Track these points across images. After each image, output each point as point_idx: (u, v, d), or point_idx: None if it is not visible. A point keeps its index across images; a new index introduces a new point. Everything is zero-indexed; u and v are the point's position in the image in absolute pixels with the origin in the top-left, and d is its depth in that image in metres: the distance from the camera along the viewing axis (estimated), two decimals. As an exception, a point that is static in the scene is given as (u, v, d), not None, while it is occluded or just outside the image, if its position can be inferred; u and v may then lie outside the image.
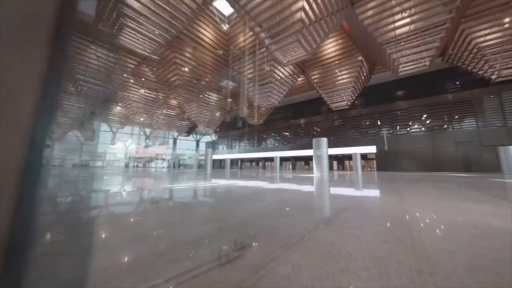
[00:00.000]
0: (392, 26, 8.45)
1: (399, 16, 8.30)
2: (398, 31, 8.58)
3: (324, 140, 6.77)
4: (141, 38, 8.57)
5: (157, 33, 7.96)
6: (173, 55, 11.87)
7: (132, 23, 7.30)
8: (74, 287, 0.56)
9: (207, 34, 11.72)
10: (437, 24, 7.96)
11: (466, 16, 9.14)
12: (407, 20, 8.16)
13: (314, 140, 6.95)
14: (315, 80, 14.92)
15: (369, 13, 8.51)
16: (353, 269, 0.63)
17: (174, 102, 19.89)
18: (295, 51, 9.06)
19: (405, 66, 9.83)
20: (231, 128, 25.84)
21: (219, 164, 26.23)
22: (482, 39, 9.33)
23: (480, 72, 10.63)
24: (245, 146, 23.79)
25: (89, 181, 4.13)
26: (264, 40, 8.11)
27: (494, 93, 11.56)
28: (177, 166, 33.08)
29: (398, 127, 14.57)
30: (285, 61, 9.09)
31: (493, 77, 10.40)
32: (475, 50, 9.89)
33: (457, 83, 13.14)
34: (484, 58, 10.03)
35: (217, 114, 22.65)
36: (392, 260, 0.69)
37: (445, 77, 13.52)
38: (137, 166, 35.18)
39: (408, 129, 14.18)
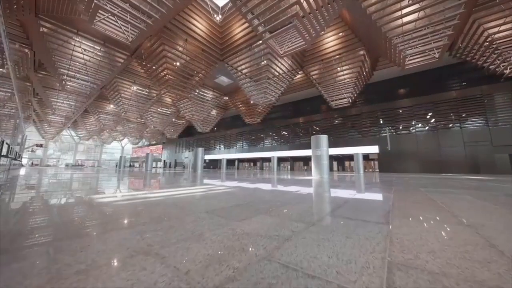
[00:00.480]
0: (399, 13, 7.69)
1: (406, 2, 7.54)
2: (406, 19, 7.81)
3: (324, 138, 5.97)
4: (123, 25, 7.77)
5: (138, 19, 7.15)
6: (162, 47, 11.08)
7: (109, 6, 6.51)
8: None
9: (199, 25, 10.93)
10: (449, 11, 7.19)
11: (478, 4, 8.39)
12: (416, 6, 7.39)
13: (313, 137, 6.15)
14: (314, 77, 14.16)
15: (374, -1, 7.75)
16: None
17: (167, 99, 19.12)
18: (292, 41, 8.29)
19: (413, 59, 9.06)
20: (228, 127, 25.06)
21: (216, 165, 25.42)
22: (496, 29, 8.58)
23: (491, 67, 9.88)
24: (242, 146, 22.99)
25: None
26: (258, 27, 7.33)
27: (506, 89, 10.80)
28: (173, 166, 32.25)
29: (401, 126, 13.80)
30: (281, 52, 8.31)
31: (506, 71, 9.65)
32: (487, 42, 9.13)
33: (465, 79, 12.38)
34: (496, 51, 9.29)
35: (213, 112, 21.87)
36: None
37: (452, 73, 12.77)
38: (132, 166, 34.33)
39: (412, 128, 13.40)
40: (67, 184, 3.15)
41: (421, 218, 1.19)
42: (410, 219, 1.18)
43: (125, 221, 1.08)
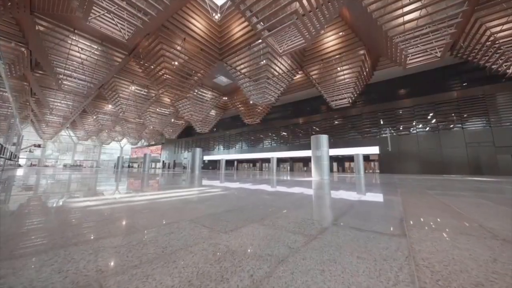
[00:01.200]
0: (400, 11, 7.54)
1: (407, 0, 7.40)
2: (407, 17, 7.67)
3: (324, 138, 5.79)
4: (119, 22, 7.61)
5: (134, 16, 6.98)
6: (160, 46, 10.92)
7: (105, 3, 6.34)
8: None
9: (198, 24, 10.77)
10: (451, 9, 7.04)
11: (480, 3, 8.26)
12: (417, 4, 7.25)
13: (312, 137, 5.97)
14: (314, 77, 14.01)
15: (375, -3, 7.59)
16: None
17: (166, 99, 18.95)
18: (292, 39, 8.14)
19: (414, 58, 8.91)
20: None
21: (215, 166, 25.20)
22: (498, 28, 8.44)
23: (493, 67, 9.74)
24: (241, 147, 22.79)
25: None
26: (257, 25, 7.17)
27: (508, 89, 10.66)
28: (172, 166, 32.00)
29: (402, 126, 13.64)
30: (281, 51, 8.15)
31: (509, 71, 9.51)
32: (489, 42, 9.00)
33: (466, 79, 12.24)
34: (498, 51, 9.15)
35: (212, 112, 21.70)
36: None
37: (453, 73, 12.63)
38: (131, 166, 34.11)
39: (413, 129, 13.24)
40: (49, 186, 2.96)
41: (443, 229, 1.01)
42: (430, 230, 1.00)
43: (87, 233, 0.89)
